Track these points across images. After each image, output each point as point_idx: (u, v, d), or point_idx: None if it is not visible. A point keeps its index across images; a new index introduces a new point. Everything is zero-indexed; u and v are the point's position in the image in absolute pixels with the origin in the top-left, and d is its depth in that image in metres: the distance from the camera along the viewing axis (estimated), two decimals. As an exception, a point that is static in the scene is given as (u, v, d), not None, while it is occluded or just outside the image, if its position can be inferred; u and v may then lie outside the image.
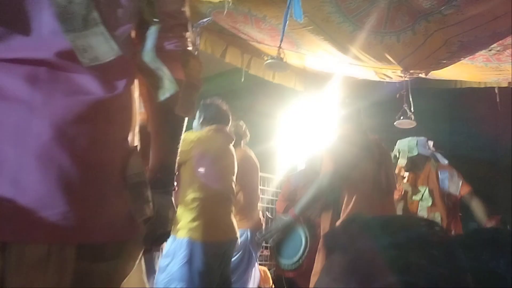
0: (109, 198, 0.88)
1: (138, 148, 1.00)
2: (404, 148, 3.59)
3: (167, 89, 1.00)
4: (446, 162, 3.60)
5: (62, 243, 0.81)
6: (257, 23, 3.35)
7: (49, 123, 0.81)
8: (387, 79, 4.02)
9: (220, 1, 2.86)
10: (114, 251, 0.90)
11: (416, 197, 3.48)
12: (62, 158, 0.81)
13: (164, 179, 1.07)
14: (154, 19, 0.98)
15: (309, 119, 4.44)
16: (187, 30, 1.07)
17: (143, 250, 1.01)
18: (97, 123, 0.86)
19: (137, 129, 1.01)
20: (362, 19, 3.06)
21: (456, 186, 3.43)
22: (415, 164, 3.54)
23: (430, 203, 3.38)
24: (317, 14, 3.03)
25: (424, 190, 3.45)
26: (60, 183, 0.81)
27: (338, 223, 2.38)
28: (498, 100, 4.40)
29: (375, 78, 4.05)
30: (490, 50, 3.44)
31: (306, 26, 3.15)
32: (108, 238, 0.88)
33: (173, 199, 1.09)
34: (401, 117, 3.86)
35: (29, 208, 0.78)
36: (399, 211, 3.43)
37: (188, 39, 1.07)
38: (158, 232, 1.04)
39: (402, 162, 3.54)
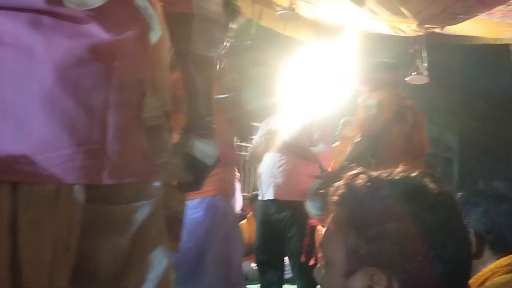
0: (119, 140, 0.88)
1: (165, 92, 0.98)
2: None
3: (156, 30, 0.97)
4: None
5: (69, 183, 0.83)
6: (270, -28, 3.27)
7: (51, 67, 0.81)
8: (402, 34, 3.93)
9: (232, -51, 2.78)
10: (130, 194, 0.92)
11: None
12: (66, 100, 0.82)
13: (197, 122, 1.07)
14: None
15: (319, 73, 4.40)
16: None
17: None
18: (102, 65, 0.85)
19: (164, 72, 1.00)
20: (378, -30, 2.97)
21: None
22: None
23: None
24: (331, -37, 2.94)
25: None
26: (65, 125, 0.82)
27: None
28: (512, 57, 4.31)
29: (389, 32, 3.97)
30: (508, 6, 3.35)
31: (320, -25, 3.07)
32: (119, 179, 0.89)
33: (212, 141, 1.07)
34: (414, 73, 3.82)
35: (35, 149, 0.80)
36: None
37: None
38: (191, 175, 1.05)
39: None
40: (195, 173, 1.07)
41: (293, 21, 3.66)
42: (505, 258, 1.25)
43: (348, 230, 0.69)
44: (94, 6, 0.83)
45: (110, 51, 0.87)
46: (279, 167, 3.34)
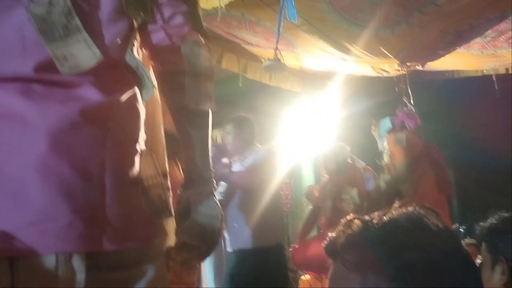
0: (119, 203, 0.85)
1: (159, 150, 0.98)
2: (331, 154, 3.88)
3: (148, 87, 0.97)
4: (363, 164, 4.03)
5: (69, 253, 0.80)
6: (252, 27, 3.36)
7: (44, 133, 0.79)
8: (385, 74, 4.02)
9: (213, 8, 2.86)
10: (132, 259, 0.88)
11: (345, 196, 3.74)
12: (61, 166, 0.79)
13: (196, 179, 1.02)
14: (142, 14, 0.93)
15: (309, 118, 4.46)
16: (187, 18, 1.00)
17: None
18: (95, 128, 0.84)
19: (158, 132, 0.99)
20: (356, 15, 3.07)
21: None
22: (340, 168, 3.80)
23: (357, 202, 3.66)
24: (311, 13, 3.03)
25: (352, 190, 3.75)
26: (62, 192, 0.79)
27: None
28: (496, 87, 4.40)
29: (373, 73, 4.05)
30: (485, 37, 3.45)
31: (301, 26, 3.16)
32: (120, 245, 0.86)
33: (215, 198, 1.02)
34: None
35: (32, 220, 0.77)
36: (328, 210, 3.68)
37: (189, 27, 1.00)
38: (201, 241, 1.00)
39: (329, 166, 3.84)
40: (206, 239, 1.01)
41: (278, 71, 3.73)
42: None
43: (365, 272, 0.67)
44: (87, 68, 0.83)
45: (102, 112, 0.86)
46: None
